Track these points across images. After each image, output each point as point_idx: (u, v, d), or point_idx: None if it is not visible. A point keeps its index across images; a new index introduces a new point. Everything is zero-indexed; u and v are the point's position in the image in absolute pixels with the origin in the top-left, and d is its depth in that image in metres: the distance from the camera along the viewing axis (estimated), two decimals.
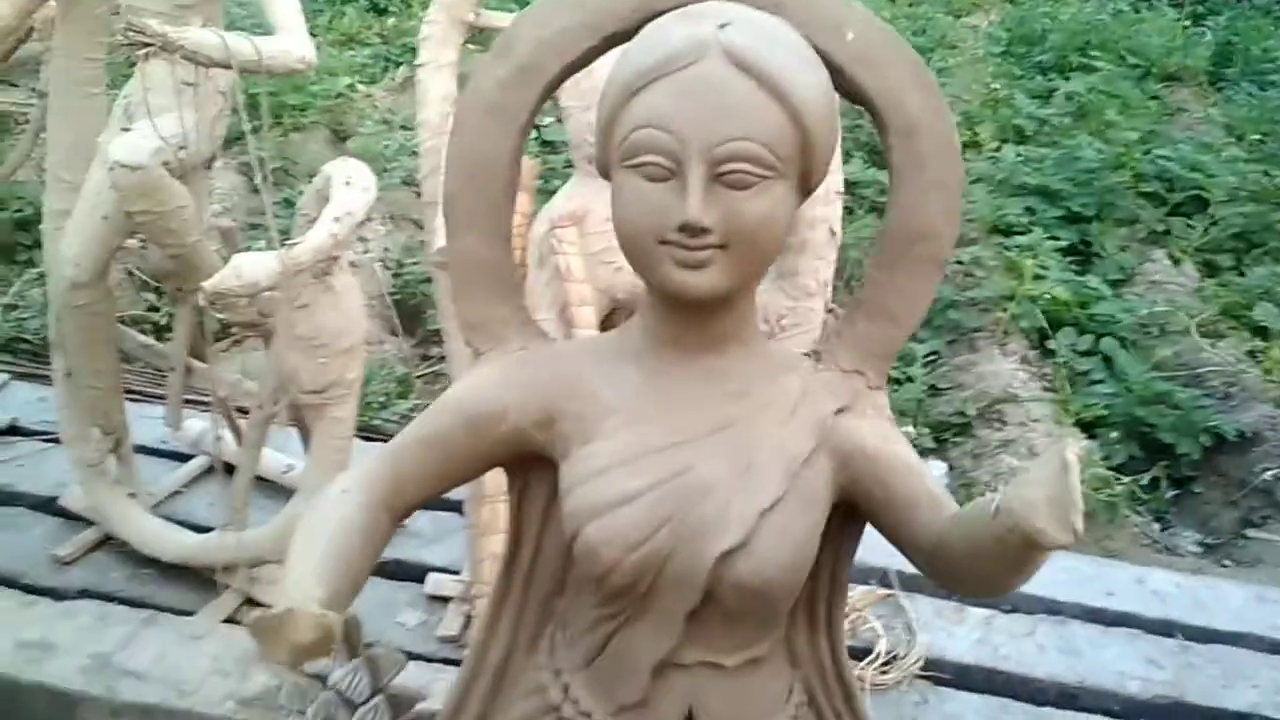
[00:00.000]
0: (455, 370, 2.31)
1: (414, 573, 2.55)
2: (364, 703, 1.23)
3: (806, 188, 1.00)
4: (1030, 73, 6.99)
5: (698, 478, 1.00)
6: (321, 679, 1.22)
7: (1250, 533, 3.33)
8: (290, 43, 1.91)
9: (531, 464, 1.14)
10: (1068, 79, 6.68)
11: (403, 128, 5.38)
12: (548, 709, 1.12)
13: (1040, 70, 7.05)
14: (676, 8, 1.02)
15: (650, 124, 0.94)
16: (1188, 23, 8.16)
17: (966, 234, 4.80)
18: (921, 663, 2.40)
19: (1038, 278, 4.19)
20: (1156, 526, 3.42)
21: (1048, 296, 4.16)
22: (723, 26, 0.94)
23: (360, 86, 5.77)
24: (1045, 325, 4.15)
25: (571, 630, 1.13)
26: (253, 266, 1.72)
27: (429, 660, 2.26)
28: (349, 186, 1.82)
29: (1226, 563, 3.20)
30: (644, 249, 0.97)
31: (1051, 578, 2.75)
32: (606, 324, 2.23)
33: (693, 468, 1.01)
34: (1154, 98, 6.65)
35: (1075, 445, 0.84)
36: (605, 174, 1.04)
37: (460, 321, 1.17)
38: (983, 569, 0.95)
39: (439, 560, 2.59)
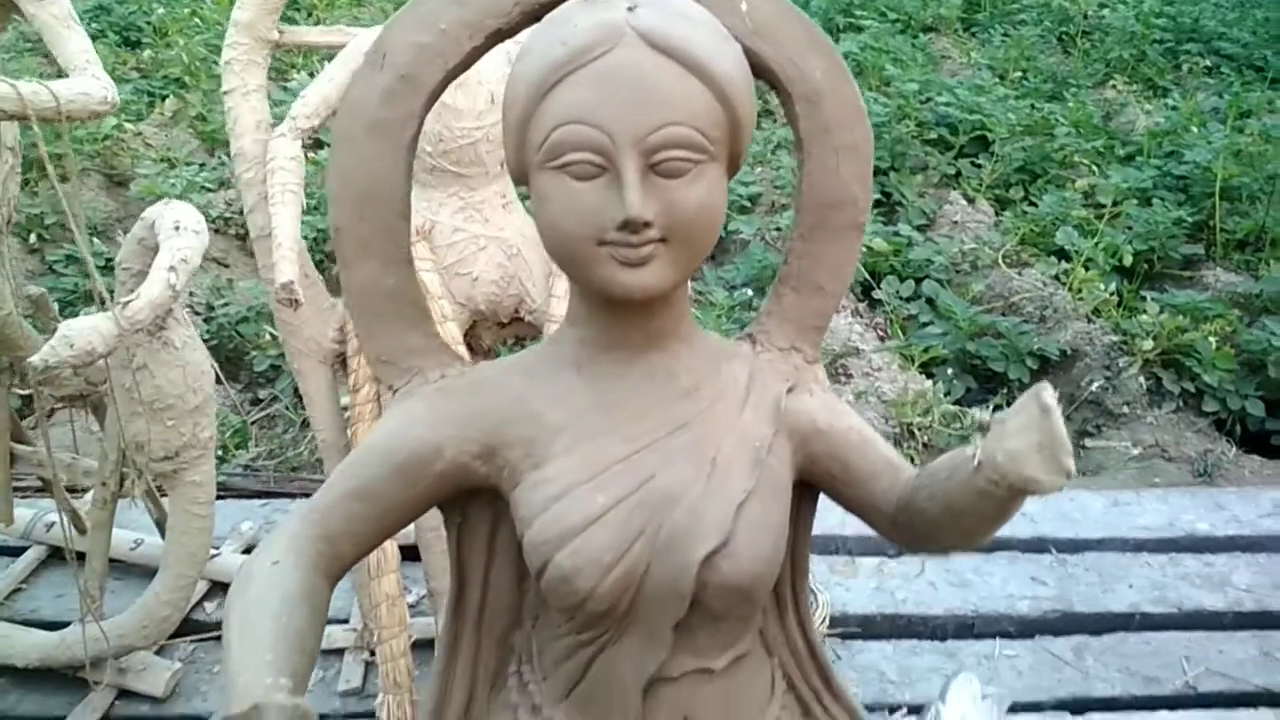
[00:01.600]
0: (316, 415, 2.18)
1: None
2: None
3: (734, 169, 0.97)
4: None
5: (664, 484, 0.96)
6: None
7: (1088, 443, 3.55)
8: (89, 84, 1.74)
9: (469, 497, 1.06)
10: (839, 40, 6.93)
11: (185, 164, 5.06)
12: None
13: None
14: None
15: (572, 120, 0.88)
16: None
17: (780, 200, 4.92)
18: (828, 621, 2.43)
19: None
20: None
21: (865, 249, 4.30)
22: (632, 9, 0.89)
23: (128, 125, 5.38)
24: (868, 277, 4.30)
25: (543, 662, 1.07)
26: (84, 333, 1.55)
27: (335, 716, 2.13)
28: (179, 231, 1.67)
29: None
30: (581, 253, 0.91)
31: None
32: (469, 338, 2.15)
33: (656, 475, 0.96)
34: (920, 49, 6.99)
35: (1048, 389, 0.84)
36: (520, 179, 0.97)
37: (369, 359, 1.08)
38: (963, 525, 0.95)
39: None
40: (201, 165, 5.10)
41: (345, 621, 2.39)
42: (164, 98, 5.97)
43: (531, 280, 2.10)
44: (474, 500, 1.07)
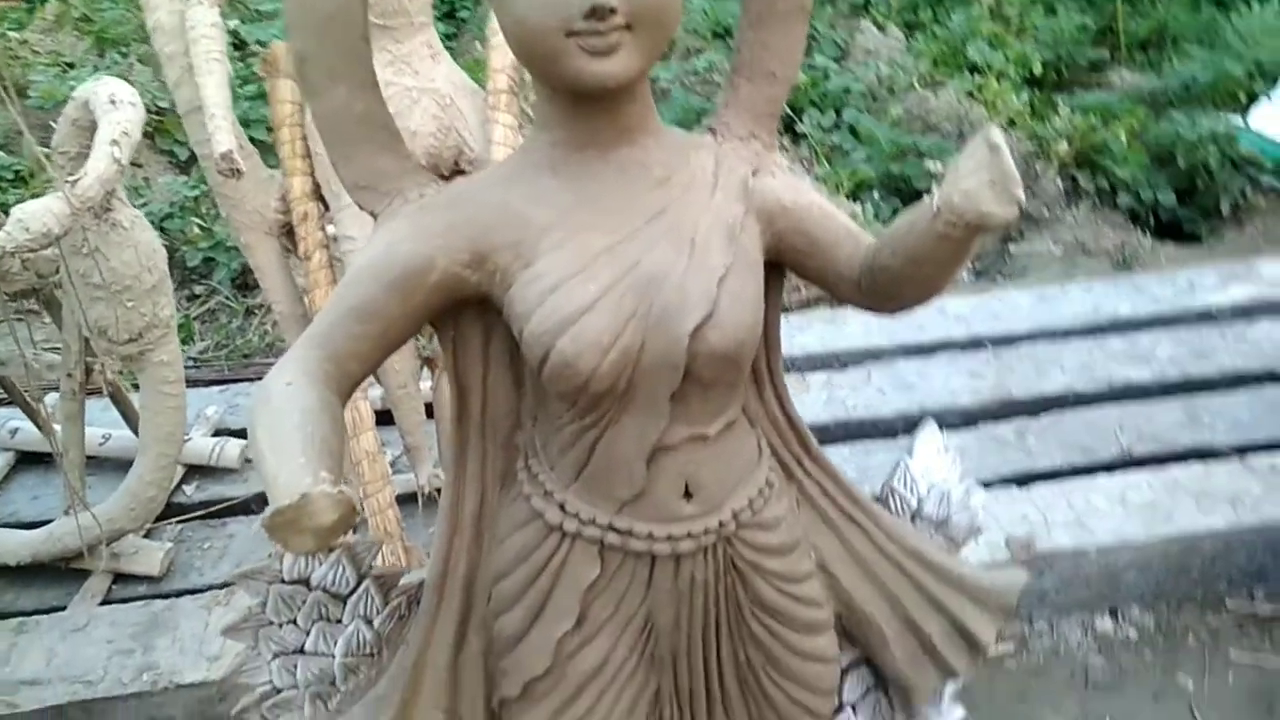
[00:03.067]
0: (270, 286, 2.19)
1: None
2: (352, 592, 1.21)
3: None
4: None
5: (649, 268, 1.02)
6: (304, 582, 1.19)
7: (1013, 248, 3.70)
8: None
9: (460, 310, 1.12)
10: None
11: (80, 65, 4.86)
12: (548, 530, 1.13)
13: None
14: None
15: None
16: None
17: (694, 45, 4.89)
18: None
19: None
20: None
21: None
22: None
23: (11, 34, 5.13)
24: (789, 111, 4.33)
25: (548, 454, 1.14)
26: (39, 215, 1.55)
27: None
28: (116, 105, 1.66)
29: (999, 278, 3.54)
30: (549, 46, 0.95)
31: (864, 329, 2.98)
32: None
33: (641, 260, 1.02)
34: None
35: (994, 129, 0.91)
36: None
37: (347, 185, 1.11)
38: (924, 273, 1.03)
39: None
40: (95, 66, 4.90)
41: None
42: (44, 1, 5.68)
43: (468, 129, 2.11)
44: (465, 313, 1.12)
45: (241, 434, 2.59)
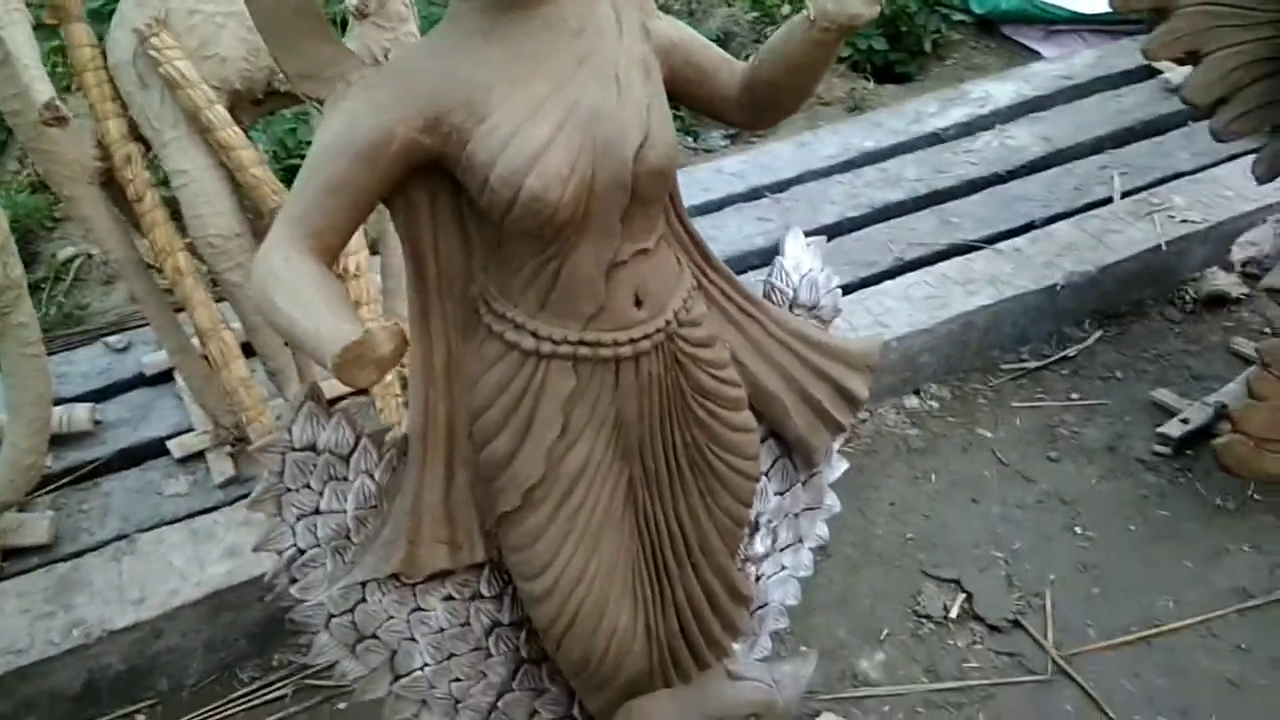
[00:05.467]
0: (101, 235, 2.17)
1: (142, 454, 2.46)
2: (353, 451, 1.34)
3: None
4: None
5: (588, 105, 1.20)
6: (312, 447, 1.31)
7: None
8: None
9: (407, 181, 1.25)
10: None
11: None
12: (524, 357, 1.31)
13: None
14: None
15: None
16: None
17: None
18: None
19: None
20: (690, 139, 4.01)
21: None
22: None
23: None
24: None
25: (509, 293, 1.31)
26: None
27: (223, 506, 2.26)
28: None
29: (756, 139, 3.87)
30: None
31: None
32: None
33: (579, 100, 1.20)
34: None
35: None
36: None
37: (290, 76, 1.22)
38: (800, 79, 1.27)
39: (160, 433, 2.50)
40: None
41: (189, 431, 2.47)
42: None
43: None
44: (410, 183, 1.25)
45: (81, 399, 2.54)
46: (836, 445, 1.74)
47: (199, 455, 2.42)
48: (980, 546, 2.31)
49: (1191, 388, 2.66)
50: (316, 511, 1.34)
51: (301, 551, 1.35)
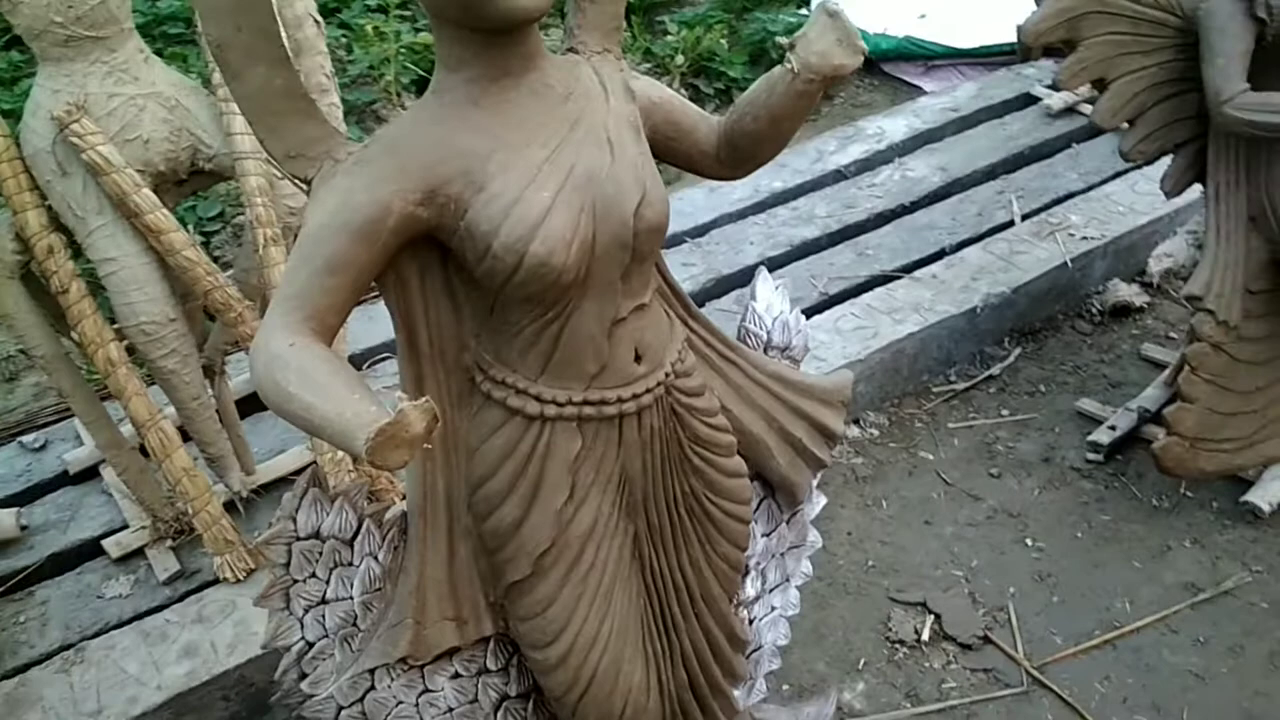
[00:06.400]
0: (24, 330, 2.07)
1: (75, 557, 2.33)
2: (356, 534, 1.30)
3: None
4: None
5: (584, 168, 1.20)
6: (317, 534, 1.27)
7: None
8: None
9: (397, 256, 1.23)
10: None
11: None
12: (529, 422, 1.29)
13: None
14: None
15: None
16: None
17: None
18: None
19: None
20: None
21: None
22: None
23: None
24: None
25: (507, 358, 1.29)
26: None
27: (172, 604, 2.16)
28: None
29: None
30: None
31: None
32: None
33: (575, 163, 1.20)
34: None
35: None
36: None
37: (278, 158, 1.19)
38: (782, 129, 1.31)
39: (92, 532, 2.38)
40: None
41: (123, 529, 2.35)
42: None
43: (201, 127, 2.11)
44: (400, 257, 1.23)
45: (1, 504, 2.40)
46: (815, 481, 1.76)
47: (138, 552, 2.31)
48: (940, 567, 2.36)
49: (1112, 395, 2.79)
50: (323, 601, 1.29)
51: (310, 644, 1.30)
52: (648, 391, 1.33)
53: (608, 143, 1.23)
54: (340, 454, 2.14)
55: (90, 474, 2.54)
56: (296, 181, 1.21)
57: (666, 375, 1.36)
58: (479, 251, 1.20)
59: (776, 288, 1.69)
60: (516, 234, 1.17)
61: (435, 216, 1.19)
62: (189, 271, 2.07)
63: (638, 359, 1.33)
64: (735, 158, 1.37)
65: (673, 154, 1.38)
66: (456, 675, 1.43)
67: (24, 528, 2.36)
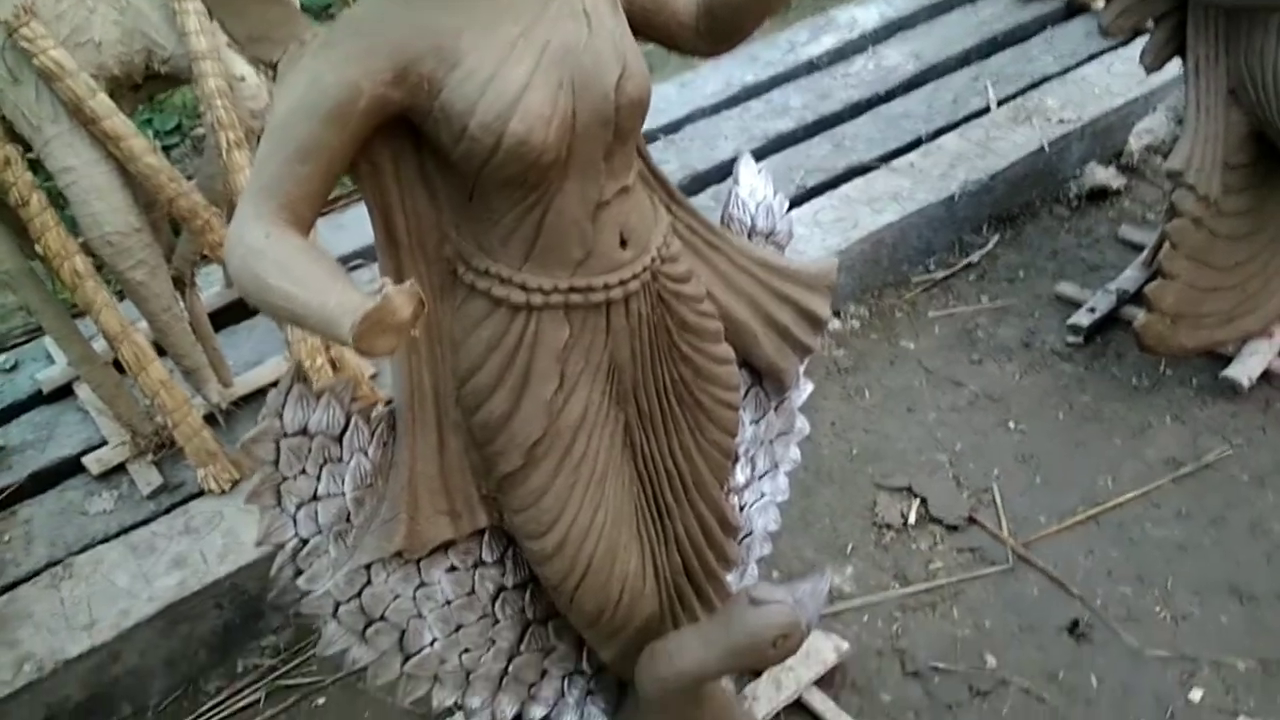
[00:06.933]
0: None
1: (55, 475, 2.31)
2: (344, 430, 1.28)
3: None
4: None
5: (560, 43, 1.16)
6: (304, 431, 1.25)
7: None
8: None
9: (370, 143, 1.19)
10: None
11: None
12: (514, 311, 1.27)
13: None
14: None
15: None
16: None
17: None
18: None
19: None
20: None
21: None
22: None
23: None
24: None
25: (489, 247, 1.26)
26: None
27: (158, 517, 2.15)
28: None
29: None
30: None
31: None
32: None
33: (551, 38, 1.16)
34: None
35: None
36: None
37: (239, 40, 1.14)
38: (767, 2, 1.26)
39: (70, 450, 2.35)
40: None
41: (102, 445, 2.33)
42: None
43: (154, 28, 2.03)
44: (373, 144, 1.19)
45: None
46: (803, 368, 1.75)
47: (119, 468, 2.29)
48: (924, 453, 2.38)
49: (1090, 278, 2.79)
50: (315, 497, 1.28)
51: (304, 541, 1.29)
52: (634, 277, 1.31)
53: (584, 14, 1.18)
54: (320, 361, 2.12)
55: (64, 393, 2.51)
56: (261, 67, 1.16)
57: (653, 260, 1.33)
58: (455, 133, 1.15)
59: (759, 172, 1.66)
60: (494, 112, 1.13)
61: (408, 97, 1.15)
62: (151, 179, 2.01)
63: (623, 244, 1.29)
64: (716, 29, 1.32)
65: (651, 27, 1.34)
66: (452, 568, 1.43)
67: (1, 448, 2.33)
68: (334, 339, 1.00)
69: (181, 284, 2.30)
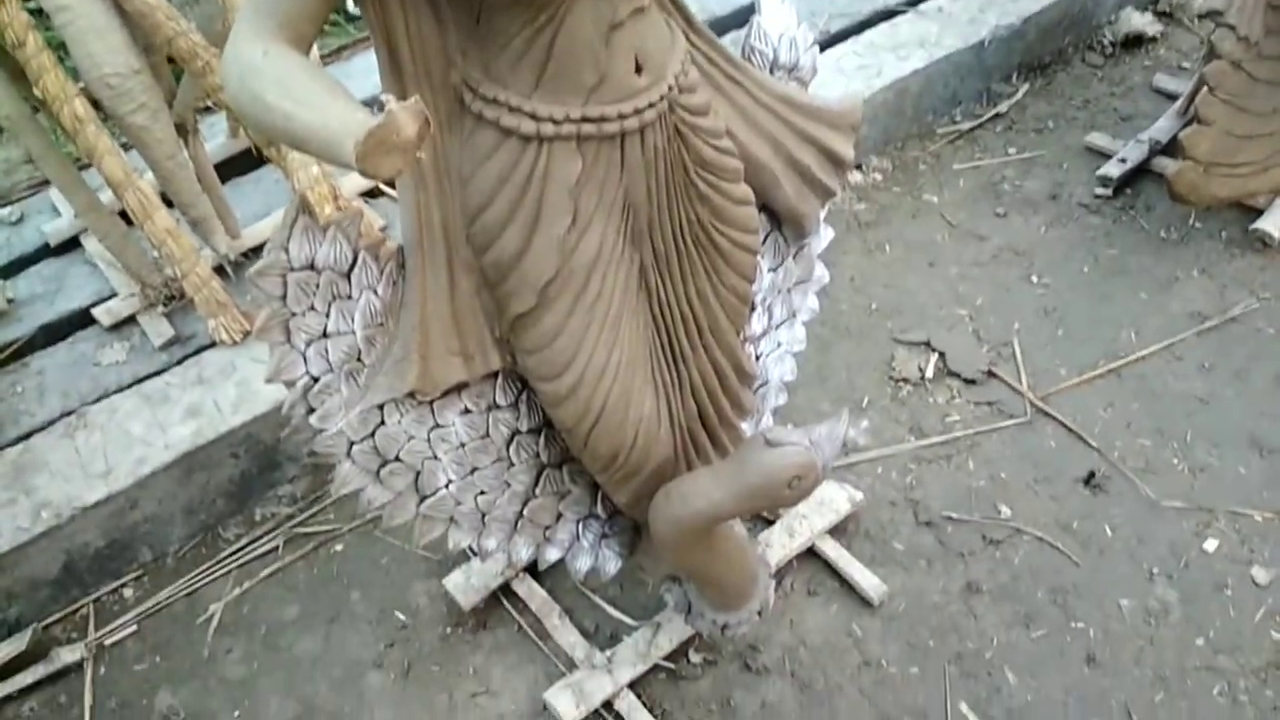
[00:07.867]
0: None
1: (65, 327, 2.30)
2: (353, 266, 1.25)
3: None
4: None
5: None
6: (311, 266, 1.21)
7: None
8: None
9: None
10: None
11: None
12: (525, 142, 1.21)
13: None
14: None
15: None
16: None
17: None
18: None
19: None
20: None
21: None
22: None
23: None
24: None
25: (497, 74, 1.20)
26: None
27: (171, 367, 2.14)
28: None
29: None
30: None
31: None
32: None
33: None
34: None
35: None
36: None
37: None
38: None
39: (80, 303, 2.34)
40: None
41: (112, 297, 2.30)
42: None
43: None
44: None
45: None
46: (823, 213, 1.70)
47: (130, 320, 2.27)
48: (944, 307, 2.33)
49: (1122, 129, 2.69)
50: (324, 335, 1.25)
51: (315, 379, 1.27)
52: (650, 106, 1.24)
53: None
54: (328, 210, 2.07)
55: (72, 246, 2.48)
56: None
57: (669, 89, 1.26)
58: None
59: (784, 1, 1.57)
60: None
61: None
62: (148, 18, 1.93)
63: (638, 70, 1.23)
64: None
65: None
66: (466, 411, 1.41)
67: (10, 301, 2.31)
68: (337, 161, 0.96)
69: (185, 131, 2.23)
